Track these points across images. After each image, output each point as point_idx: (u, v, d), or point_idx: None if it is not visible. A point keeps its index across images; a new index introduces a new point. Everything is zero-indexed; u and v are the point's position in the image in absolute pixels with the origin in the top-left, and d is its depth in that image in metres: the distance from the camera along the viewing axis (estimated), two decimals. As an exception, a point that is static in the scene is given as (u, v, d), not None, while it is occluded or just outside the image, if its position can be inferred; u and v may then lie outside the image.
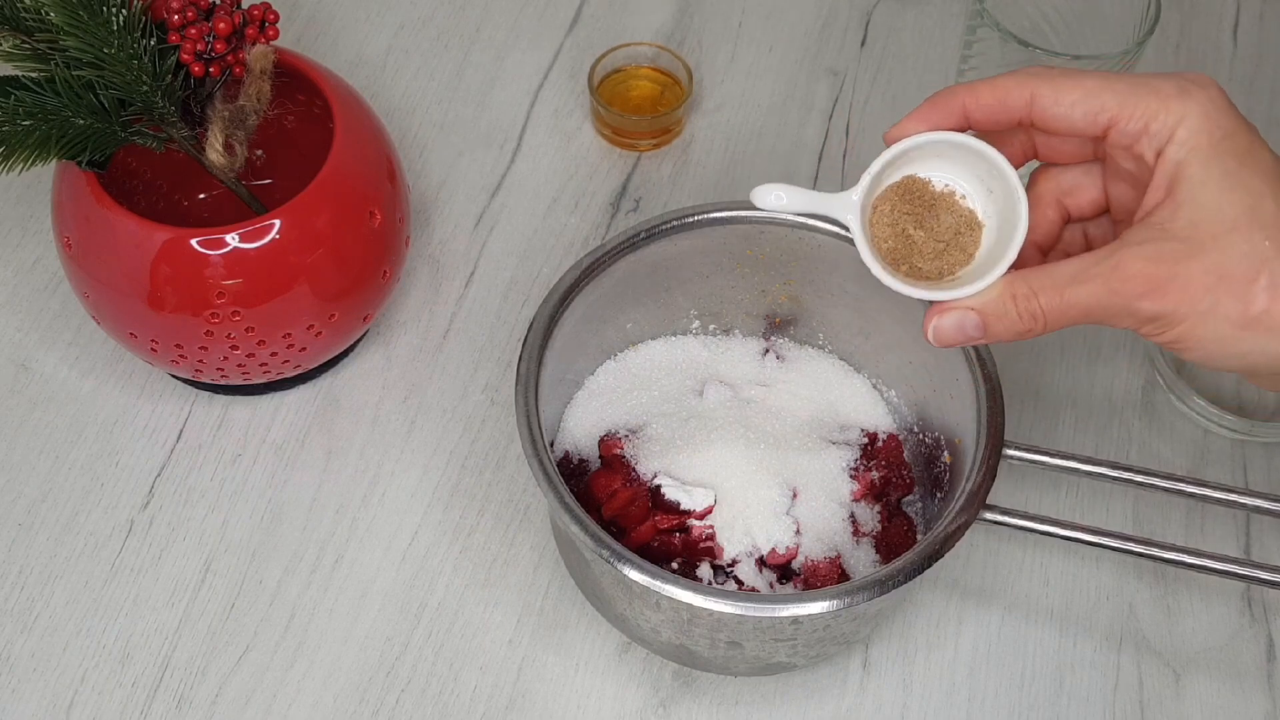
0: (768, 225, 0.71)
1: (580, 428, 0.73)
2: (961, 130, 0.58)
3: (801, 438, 0.71)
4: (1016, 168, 0.58)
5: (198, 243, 0.67)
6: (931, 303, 0.57)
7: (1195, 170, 0.53)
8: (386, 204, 0.73)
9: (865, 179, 0.58)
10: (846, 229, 0.58)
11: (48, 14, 0.63)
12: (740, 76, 0.92)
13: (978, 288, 0.56)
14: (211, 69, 0.67)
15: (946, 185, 0.59)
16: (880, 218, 0.59)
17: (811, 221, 0.70)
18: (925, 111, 0.58)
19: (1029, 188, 0.59)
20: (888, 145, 0.58)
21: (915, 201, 0.59)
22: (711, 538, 0.68)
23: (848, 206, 0.58)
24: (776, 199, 0.59)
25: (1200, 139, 0.54)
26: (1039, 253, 0.61)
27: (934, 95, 0.58)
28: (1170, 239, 0.53)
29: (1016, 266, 0.56)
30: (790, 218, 0.70)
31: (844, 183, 0.87)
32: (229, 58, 0.67)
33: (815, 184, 0.87)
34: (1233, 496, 0.64)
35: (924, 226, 0.59)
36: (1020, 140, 0.60)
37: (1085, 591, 0.73)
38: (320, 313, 0.71)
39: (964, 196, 0.59)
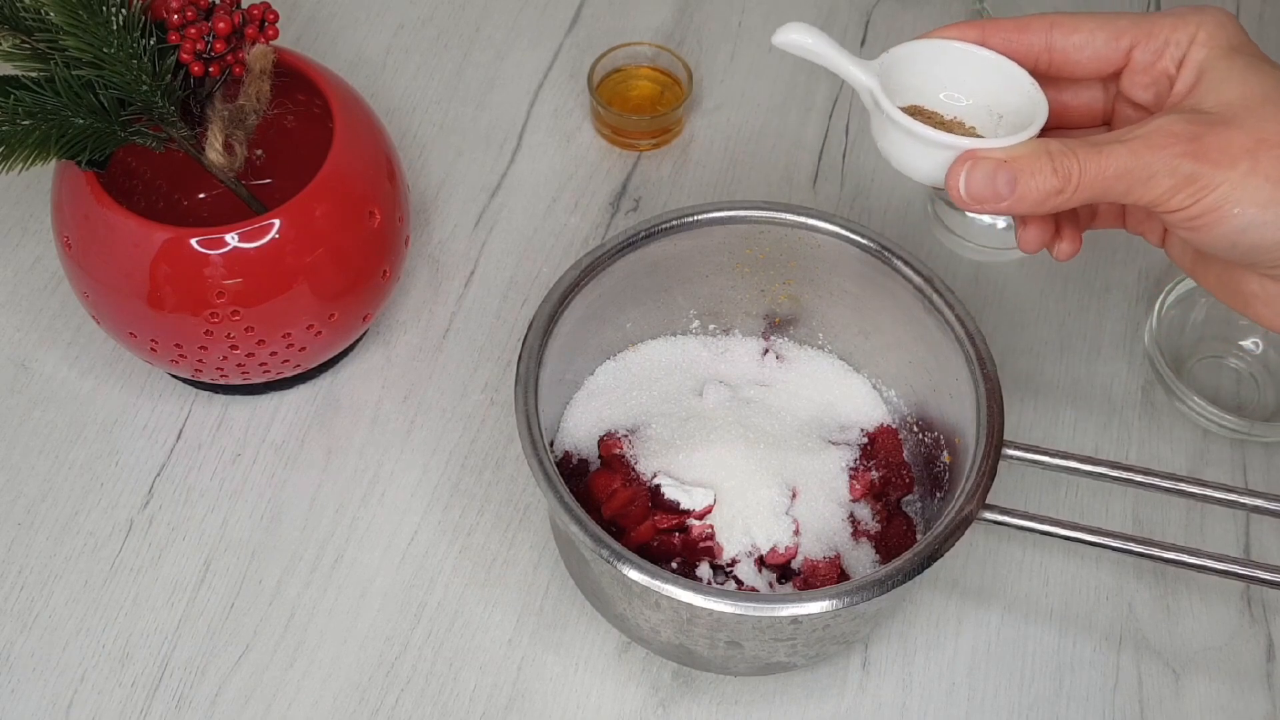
0: (768, 225, 0.71)
1: (580, 428, 0.73)
2: None
3: (801, 437, 0.71)
4: None
5: (197, 242, 0.67)
6: (955, 161, 0.55)
7: (1219, 62, 0.56)
8: (386, 204, 0.73)
9: (885, 56, 0.57)
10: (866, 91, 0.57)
11: (48, 14, 0.63)
12: (740, 76, 0.92)
13: (1015, 140, 0.55)
14: (211, 69, 0.67)
15: (955, 116, 0.59)
16: None
17: (811, 221, 0.70)
18: (945, 30, 0.59)
19: None
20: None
21: (925, 120, 0.58)
22: (711, 537, 0.68)
23: (867, 71, 0.57)
24: (797, 41, 0.57)
25: (1219, 40, 0.56)
26: None
27: (953, 23, 0.59)
28: (1204, 112, 0.54)
29: None
30: (790, 218, 0.70)
31: (843, 183, 0.87)
32: (229, 57, 0.67)
33: (815, 184, 0.87)
34: (1233, 496, 0.64)
35: None
36: None
37: (1085, 591, 0.73)
38: (320, 312, 0.71)
39: (972, 128, 0.59)
